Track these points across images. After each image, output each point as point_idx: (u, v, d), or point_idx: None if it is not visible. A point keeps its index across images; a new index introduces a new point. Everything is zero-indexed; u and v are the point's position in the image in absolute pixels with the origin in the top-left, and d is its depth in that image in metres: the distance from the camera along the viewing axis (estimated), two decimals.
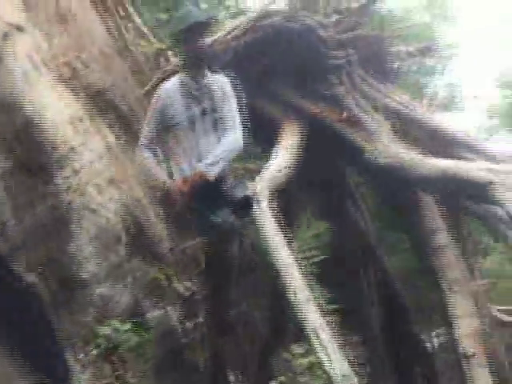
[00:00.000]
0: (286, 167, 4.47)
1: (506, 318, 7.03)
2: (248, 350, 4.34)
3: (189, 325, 3.47)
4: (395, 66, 7.67)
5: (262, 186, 3.88)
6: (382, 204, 6.84)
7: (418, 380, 6.71)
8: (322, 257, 7.12)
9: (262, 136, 5.89)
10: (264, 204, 3.69)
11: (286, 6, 6.61)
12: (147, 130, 3.55)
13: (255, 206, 3.65)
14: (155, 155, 3.53)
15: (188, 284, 3.55)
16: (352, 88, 6.11)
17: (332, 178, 6.36)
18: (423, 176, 5.16)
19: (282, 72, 5.79)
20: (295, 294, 3.24)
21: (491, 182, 4.50)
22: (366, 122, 5.79)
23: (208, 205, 3.59)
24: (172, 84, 3.61)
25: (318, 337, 3.06)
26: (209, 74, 3.73)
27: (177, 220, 3.56)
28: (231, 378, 3.94)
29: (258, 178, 4.00)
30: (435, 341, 7.09)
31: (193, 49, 3.55)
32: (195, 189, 3.48)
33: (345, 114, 5.82)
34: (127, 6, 5.39)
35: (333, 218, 6.53)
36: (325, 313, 7.09)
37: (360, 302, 6.39)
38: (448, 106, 10.95)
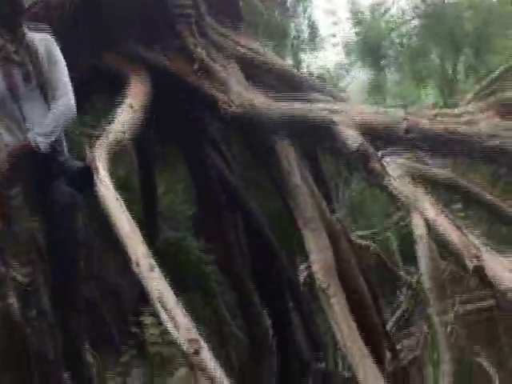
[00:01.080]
0: (130, 127, 4.13)
1: (361, 240, 7.31)
2: (109, 325, 4.14)
3: (32, 313, 3.19)
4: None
5: (100, 152, 3.54)
6: (242, 149, 6.71)
7: (291, 314, 6.84)
8: (194, 210, 7.01)
9: (108, 95, 5.51)
10: (103, 172, 3.38)
11: None
12: None
13: (94, 175, 3.35)
14: None
15: (28, 270, 3.22)
16: (202, 37, 5.80)
17: (190, 128, 6.11)
18: (274, 121, 5.10)
19: (126, 24, 5.33)
20: (137, 263, 3.03)
21: (333, 121, 4.53)
22: (218, 72, 5.55)
23: (43, 180, 3.24)
24: None
25: (163, 305, 2.90)
26: (30, 33, 3.28)
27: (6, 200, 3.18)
28: (88, 358, 3.72)
29: (97, 144, 3.66)
30: (302, 275, 7.24)
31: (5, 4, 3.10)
32: (22, 163, 3.11)
33: (195, 65, 5.54)
34: None
35: (196, 167, 6.35)
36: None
37: (230, 248, 6.32)
38: (310, 45, 10.92)
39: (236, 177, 6.73)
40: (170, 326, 2.86)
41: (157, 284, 2.96)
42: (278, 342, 6.76)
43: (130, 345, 3.40)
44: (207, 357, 2.81)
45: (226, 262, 6.51)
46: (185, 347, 2.80)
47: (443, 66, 8.66)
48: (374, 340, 5.33)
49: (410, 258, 8.11)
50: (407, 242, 8.38)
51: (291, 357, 6.82)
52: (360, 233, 8.26)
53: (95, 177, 3.32)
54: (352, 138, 4.19)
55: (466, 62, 9.27)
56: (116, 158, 4.52)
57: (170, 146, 6.51)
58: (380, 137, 4.17)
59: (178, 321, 2.86)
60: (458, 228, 4.10)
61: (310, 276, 6.41)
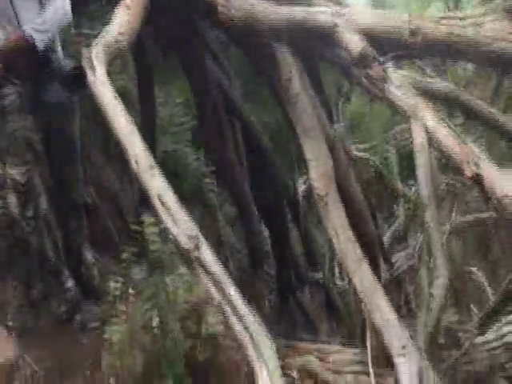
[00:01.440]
0: (128, 29, 3.99)
1: (360, 154, 7.31)
2: (108, 224, 4.18)
3: (30, 212, 3.21)
4: None
5: (97, 51, 3.44)
6: (242, 58, 6.56)
7: (288, 225, 6.94)
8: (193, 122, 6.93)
9: None
10: (100, 71, 3.30)
11: None
12: None
13: (90, 75, 3.27)
14: None
15: (24, 168, 3.21)
16: None
17: (189, 37, 5.93)
18: (274, 26, 4.94)
19: None
20: (136, 162, 3.02)
21: (335, 25, 4.39)
22: None
23: (38, 79, 3.18)
24: None
25: (162, 202, 2.91)
26: None
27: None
28: (89, 256, 3.77)
29: (94, 44, 3.55)
30: (302, 186, 7.27)
31: None
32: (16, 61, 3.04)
33: None
34: None
35: (194, 76, 6.23)
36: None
37: (229, 160, 6.31)
38: None
39: (235, 88, 6.63)
40: (169, 222, 2.88)
41: (156, 181, 2.96)
42: (275, 252, 6.89)
43: (129, 243, 3.45)
44: (207, 252, 2.84)
45: (226, 174, 6.53)
46: (184, 243, 2.83)
47: None
48: (370, 251, 5.41)
49: (407, 174, 8.15)
50: (405, 157, 8.41)
51: (288, 267, 6.97)
52: (359, 147, 8.26)
53: (91, 76, 3.25)
54: (354, 42, 4.07)
55: None
56: (114, 68, 4.41)
57: (168, 57, 6.36)
58: (383, 41, 4.06)
59: (177, 218, 2.88)
60: (458, 137, 4.05)
61: (309, 189, 6.45)
